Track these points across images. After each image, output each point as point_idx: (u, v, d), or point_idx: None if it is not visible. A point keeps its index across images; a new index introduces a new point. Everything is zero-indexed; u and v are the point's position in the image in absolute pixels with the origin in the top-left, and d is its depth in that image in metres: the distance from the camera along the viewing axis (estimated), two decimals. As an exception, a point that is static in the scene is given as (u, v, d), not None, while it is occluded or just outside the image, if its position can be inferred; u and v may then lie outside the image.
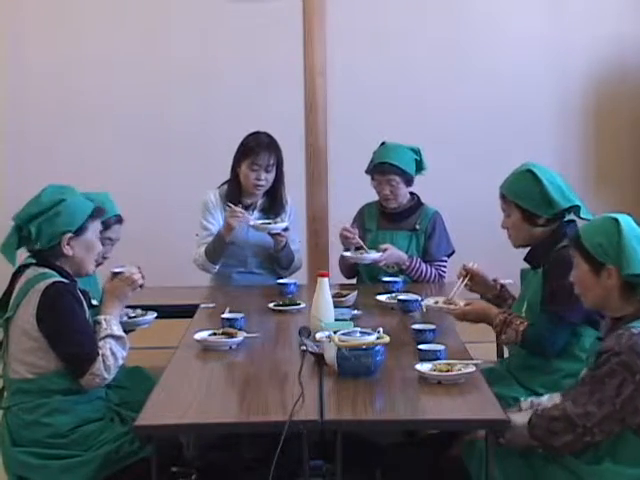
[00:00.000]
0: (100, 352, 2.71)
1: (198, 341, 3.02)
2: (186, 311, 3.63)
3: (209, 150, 5.30)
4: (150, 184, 5.30)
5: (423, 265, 4.04)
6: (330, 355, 2.68)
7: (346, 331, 2.74)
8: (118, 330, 2.79)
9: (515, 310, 3.09)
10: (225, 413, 2.48)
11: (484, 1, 5.44)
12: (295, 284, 3.84)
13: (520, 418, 2.50)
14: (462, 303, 3.19)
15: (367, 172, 4.11)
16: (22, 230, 2.78)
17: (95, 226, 2.87)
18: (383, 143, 4.11)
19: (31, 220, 2.76)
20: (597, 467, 2.40)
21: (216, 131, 5.30)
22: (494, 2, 5.43)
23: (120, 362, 2.75)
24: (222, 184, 4.16)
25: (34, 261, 3.25)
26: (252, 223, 3.95)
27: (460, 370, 2.63)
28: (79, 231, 2.79)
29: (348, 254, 3.98)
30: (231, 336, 3.02)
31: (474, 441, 2.61)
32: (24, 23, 5.33)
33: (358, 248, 4.01)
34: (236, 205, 3.96)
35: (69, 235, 2.77)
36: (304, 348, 2.88)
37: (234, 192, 4.08)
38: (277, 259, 4.10)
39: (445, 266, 4.10)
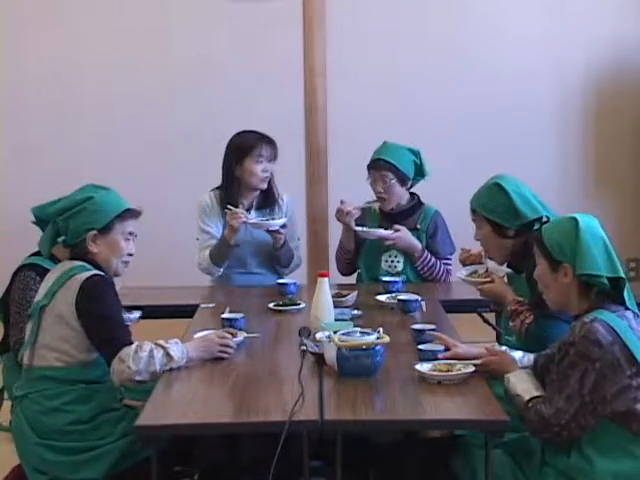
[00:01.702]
0: (136, 343, 2.70)
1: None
2: (186, 311, 3.63)
3: (209, 150, 5.25)
4: (150, 184, 5.30)
5: (434, 259, 4.03)
6: (330, 355, 2.68)
7: (346, 331, 2.74)
8: (175, 354, 2.72)
9: None
10: (225, 413, 2.48)
11: (484, 1, 5.44)
12: (295, 284, 3.83)
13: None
14: (502, 274, 3.23)
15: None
16: (54, 224, 2.85)
17: (123, 226, 2.88)
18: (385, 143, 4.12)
19: (60, 214, 2.83)
20: (588, 466, 2.41)
21: (216, 131, 5.27)
22: (494, 2, 5.44)
23: (152, 368, 2.68)
24: (216, 188, 4.14)
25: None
26: (252, 221, 3.95)
27: (460, 370, 2.64)
28: (104, 229, 2.84)
29: (358, 228, 3.98)
30: (231, 336, 3.02)
31: (467, 453, 2.64)
32: (23, 23, 5.33)
33: (360, 224, 4.01)
34: (235, 207, 3.95)
35: (94, 232, 2.82)
36: (304, 348, 2.87)
37: (233, 193, 4.07)
38: (276, 257, 4.09)
39: (451, 264, 4.09)
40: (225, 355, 2.86)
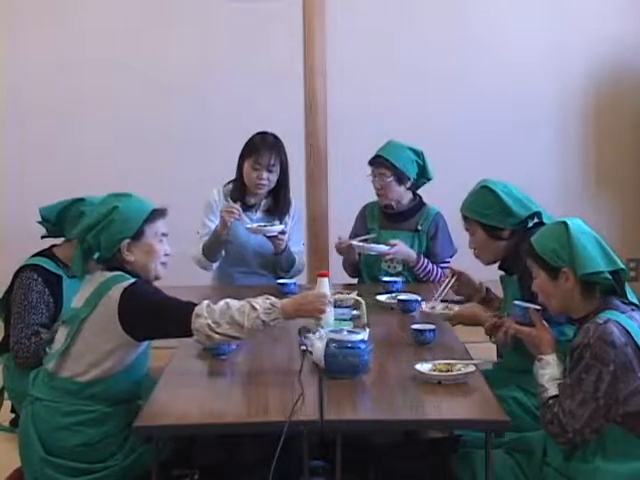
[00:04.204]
0: (207, 301, 2.65)
1: (196, 341, 3.01)
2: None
3: (209, 150, 5.31)
4: (150, 184, 5.25)
5: (430, 265, 4.03)
6: (318, 353, 2.68)
7: (334, 329, 2.74)
8: (259, 304, 2.63)
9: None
10: (225, 413, 2.48)
11: (484, 1, 5.45)
12: (295, 284, 3.84)
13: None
14: (457, 308, 3.19)
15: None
16: (83, 243, 2.77)
17: (154, 228, 2.84)
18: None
19: (88, 232, 2.75)
20: (590, 466, 2.41)
21: (216, 131, 5.31)
22: (494, 2, 5.44)
23: (228, 316, 2.60)
24: (228, 182, 4.16)
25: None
26: (248, 226, 3.95)
27: (460, 370, 2.64)
28: (137, 236, 2.78)
29: (355, 242, 3.97)
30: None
31: (467, 453, 2.64)
32: (24, 23, 5.34)
33: (364, 240, 4.00)
34: (242, 203, 3.96)
35: (127, 241, 2.76)
36: (304, 348, 2.87)
37: (238, 191, 4.08)
38: (278, 262, 4.09)
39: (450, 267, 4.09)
40: (320, 315, 2.76)
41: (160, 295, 2.72)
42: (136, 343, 2.71)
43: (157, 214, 2.86)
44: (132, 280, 2.72)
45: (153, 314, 2.67)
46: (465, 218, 3.18)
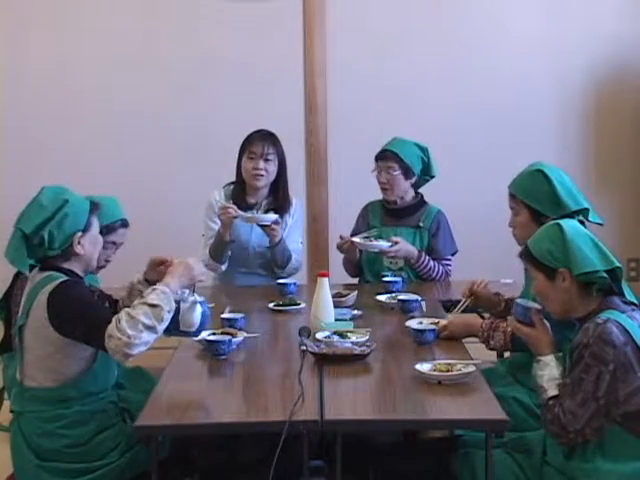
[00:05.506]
0: (115, 316, 2.56)
1: (198, 341, 3.02)
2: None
3: (209, 150, 5.31)
4: (150, 184, 5.30)
5: (432, 262, 4.04)
6: (192, 317, 2.67)
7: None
8: (155, 300, 2.58)
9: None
10: (225, 413, 2.48)
11: (484, 1, 5.44)
12: (295, 284, 3.83)
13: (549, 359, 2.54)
14: (444, 322, 3.15)
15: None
16: (30, 239, 2.71)
17: (96, 220, 2.86)
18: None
19: (41, 228, 2.70)
20: (590, 466, 2.42)
21: (216, 131, 5.31)
22: (494, 2, 5.44)
23: (142, 325, 2.52)
24: (229, 184, 4.16)
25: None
26: (242, 213, 3.94)
27: (460, 370, 2.64)
28: (86, 228, 2.78)
29: (357, 240, 3.98)
30: (231, 336, 3.02)
31: (467, 453, 2.64)
32: (24, 23, 5.33)
33: (366, 237, 4.01)
34: (240, 204, 3.97)
35: (79, 234, 2.75)
36: (304, 348, 2.88)
37: (239, 192, 4.09)
38: (273, 256, 4.07)
39: (451, 264, 4.10)
40: (204, 277, 2.80)
41: (85, 300, 2.67)
42: (76, 342, 2.67)
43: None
44: (60, 280, 2.68)
45: (74, 318, 2.63)
46: (512, 196, 3.12)
